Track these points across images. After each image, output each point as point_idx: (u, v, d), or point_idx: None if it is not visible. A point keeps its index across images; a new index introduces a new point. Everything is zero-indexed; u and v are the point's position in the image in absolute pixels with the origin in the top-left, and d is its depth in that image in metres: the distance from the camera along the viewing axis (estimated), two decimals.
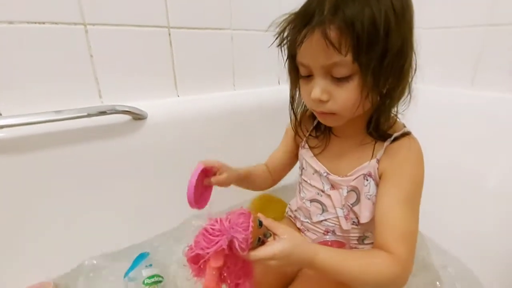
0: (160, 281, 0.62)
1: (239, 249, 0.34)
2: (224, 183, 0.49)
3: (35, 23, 0.58)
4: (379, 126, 0.45)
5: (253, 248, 0.36)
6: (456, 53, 0.87)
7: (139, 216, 0.73)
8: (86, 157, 0.63)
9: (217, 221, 0.36)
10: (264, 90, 0.93)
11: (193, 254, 0.36)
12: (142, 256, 0.67)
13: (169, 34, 0.73)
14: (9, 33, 0.56)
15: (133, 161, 0.69)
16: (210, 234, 0.35)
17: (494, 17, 0.77)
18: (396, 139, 0.46)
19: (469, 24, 0.82)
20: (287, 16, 0.42)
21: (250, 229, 0.35)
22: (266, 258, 0.36)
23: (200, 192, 0.47)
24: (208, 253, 0.34)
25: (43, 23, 0.58)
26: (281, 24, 0.42)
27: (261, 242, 0.38)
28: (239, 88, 0.90)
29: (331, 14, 0.36)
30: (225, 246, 0.34)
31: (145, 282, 0.60)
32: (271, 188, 0.63)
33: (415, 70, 0.42)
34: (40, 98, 0.61)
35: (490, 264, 0.64)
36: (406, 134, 0.47)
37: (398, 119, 0.48)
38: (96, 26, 0.64)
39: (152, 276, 0.61)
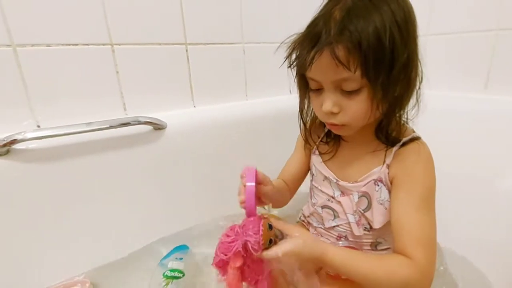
0: (178, 278, 0.60)
1: (252, 250, 0.39)
2: (268, 196, 0.47)
3: (69, 45, 0.64)
4: (388, 132, 0.46)
5: (266, 248, 0.40)
6: (468, 57, 0.86)
7: (160, 218, 0.77)
8: (114, 164, 0.68)
9: (232, 229, 0.42)
10: (276, 99, 0.95)
11: (217, 260, 0.41)
12: (179, 248, 0.69)
13: (187, 50, 0.79)
14: (46, 54, 0.62)
15: (155, 167, 0.74)
16: (227, 242, 0.41)
17: (503, 22, 0.78)
18: (404, 144, 0.46)
19: (479, 29, 0.83)
20: (294, 37, 0.43)
21: (261, 232, 0.40)
22: (277, 256, 0.39)
23: None
24: (227, 255, 0.40)
25: (76, 45, 0.65)
26: (290, 46, 0.44)
27: (273, 242, 0.41)
28: (251, 98, 0.94)
29: (338, 34, 0.38)
30: (240, 249, 0.39)
31: (165, 274, 0.60)
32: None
33: (422, 77, 0.43)
34: (73, 111, 0.67)
35: (506, 270, 0.62)
36: (416, 138, 0.47)
37: (407, 125, 0.48)
38: (122, 46, 0.70)
39: (174, 270, 0.61)
